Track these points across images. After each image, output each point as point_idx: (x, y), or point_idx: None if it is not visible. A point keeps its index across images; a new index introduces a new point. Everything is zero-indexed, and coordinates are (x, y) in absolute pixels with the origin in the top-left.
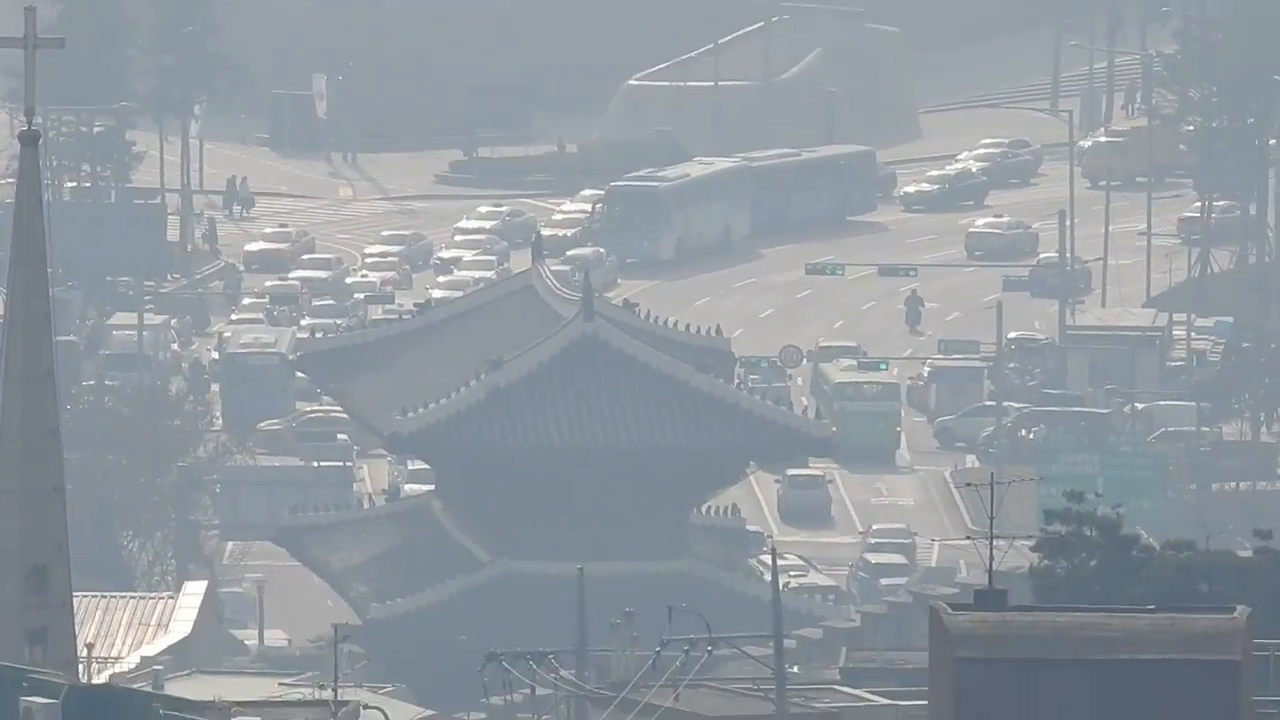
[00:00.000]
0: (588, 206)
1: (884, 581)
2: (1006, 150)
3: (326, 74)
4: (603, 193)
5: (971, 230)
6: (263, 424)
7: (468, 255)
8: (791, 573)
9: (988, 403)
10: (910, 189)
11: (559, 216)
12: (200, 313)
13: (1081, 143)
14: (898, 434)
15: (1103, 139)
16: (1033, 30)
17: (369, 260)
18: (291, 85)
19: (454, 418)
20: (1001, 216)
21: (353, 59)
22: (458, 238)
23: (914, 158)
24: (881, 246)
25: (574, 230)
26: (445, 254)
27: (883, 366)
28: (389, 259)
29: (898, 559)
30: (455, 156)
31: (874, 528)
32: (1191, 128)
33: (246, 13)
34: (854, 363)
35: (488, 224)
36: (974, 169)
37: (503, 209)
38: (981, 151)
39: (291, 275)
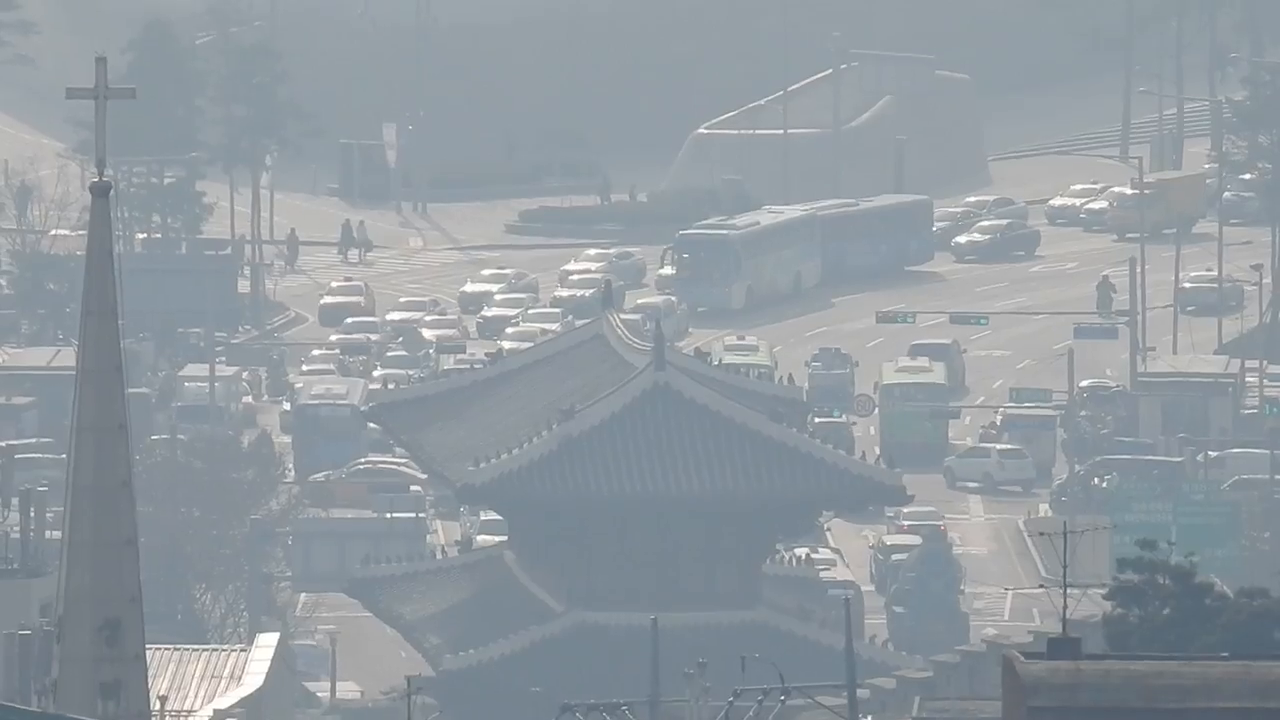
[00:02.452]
0: (600, 260)
1: (895, 557)
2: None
3: (396, 123)
4: (672, 241)
5: (1184, 286)
6: (334, 475)
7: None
8: (820, 565)
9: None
10: (962, 239)
11: (571, 268)
12: (274, 364)
13: (1097, 199)
14: (945, 435)
15: (1129, 191)
16: (1102, 76)
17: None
18: (361, 134)
19: (526, 468)
20: (1067, 265)
21: (423, 108)
22: (567, 278)
23: (982, 203)
24: (949, 294)
25: (588, 290)
26: (561, 292)
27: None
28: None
29: (914, 540)
30: (525, 205)
31: (904, 511)
32: (1250, 175)
33: (316, 62)
34: (905, 362)
35: (594, 266)
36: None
37: (611, 251)
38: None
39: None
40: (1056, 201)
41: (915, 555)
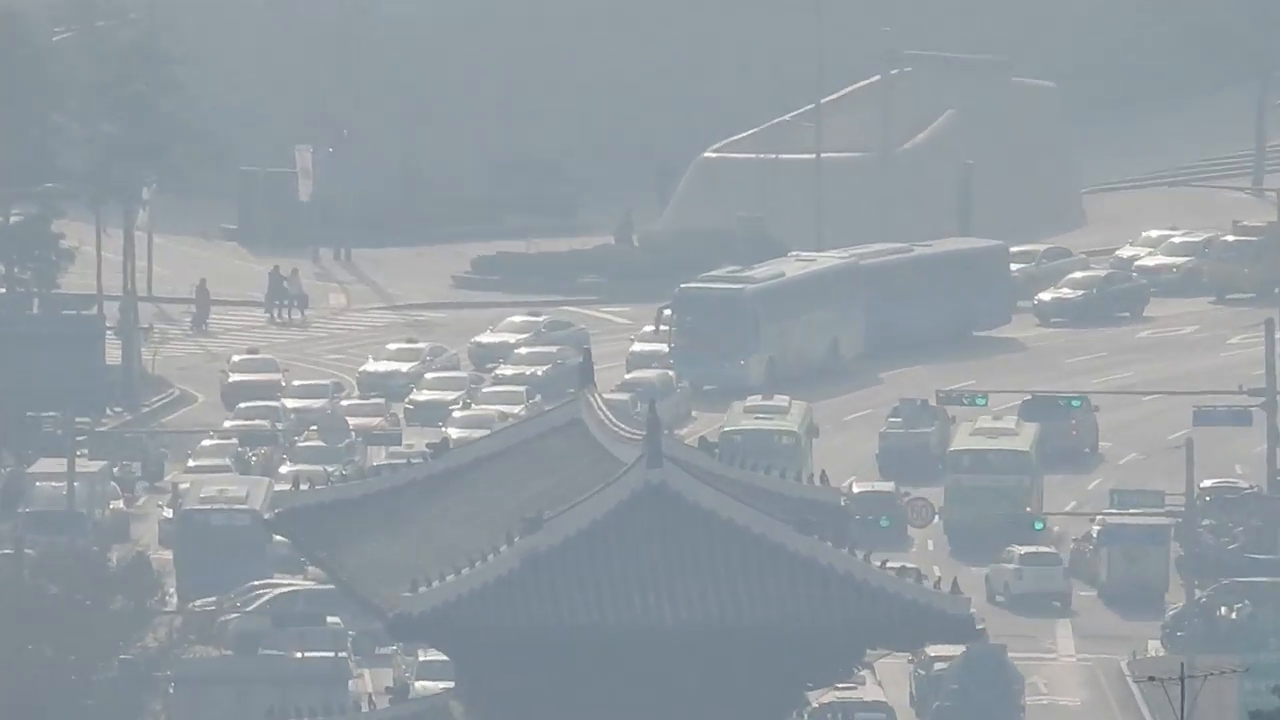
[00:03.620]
0: (523, 329)
1: (938, 667)
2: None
3: (313, 145)
4: (671, 298)
5: None
6: (229, 603)
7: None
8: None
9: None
10: (1047, 295)
11: (487, 338)
12: (152, 458)
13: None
14: (1028, 513)
15: (1229, 238)
16: (1228, 89)
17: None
18: (268, 160)
19: (479, 594)
20: (1184, 330)
21: (347, 126)
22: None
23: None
24: (1030, 368)
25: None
26: (505, 370)
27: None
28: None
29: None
30: (480, 251)
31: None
32: None
33: (209, 67)
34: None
35: (513, 338)
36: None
37: (540, 318)
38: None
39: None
40: (1125, 252)
41: (958, 663)
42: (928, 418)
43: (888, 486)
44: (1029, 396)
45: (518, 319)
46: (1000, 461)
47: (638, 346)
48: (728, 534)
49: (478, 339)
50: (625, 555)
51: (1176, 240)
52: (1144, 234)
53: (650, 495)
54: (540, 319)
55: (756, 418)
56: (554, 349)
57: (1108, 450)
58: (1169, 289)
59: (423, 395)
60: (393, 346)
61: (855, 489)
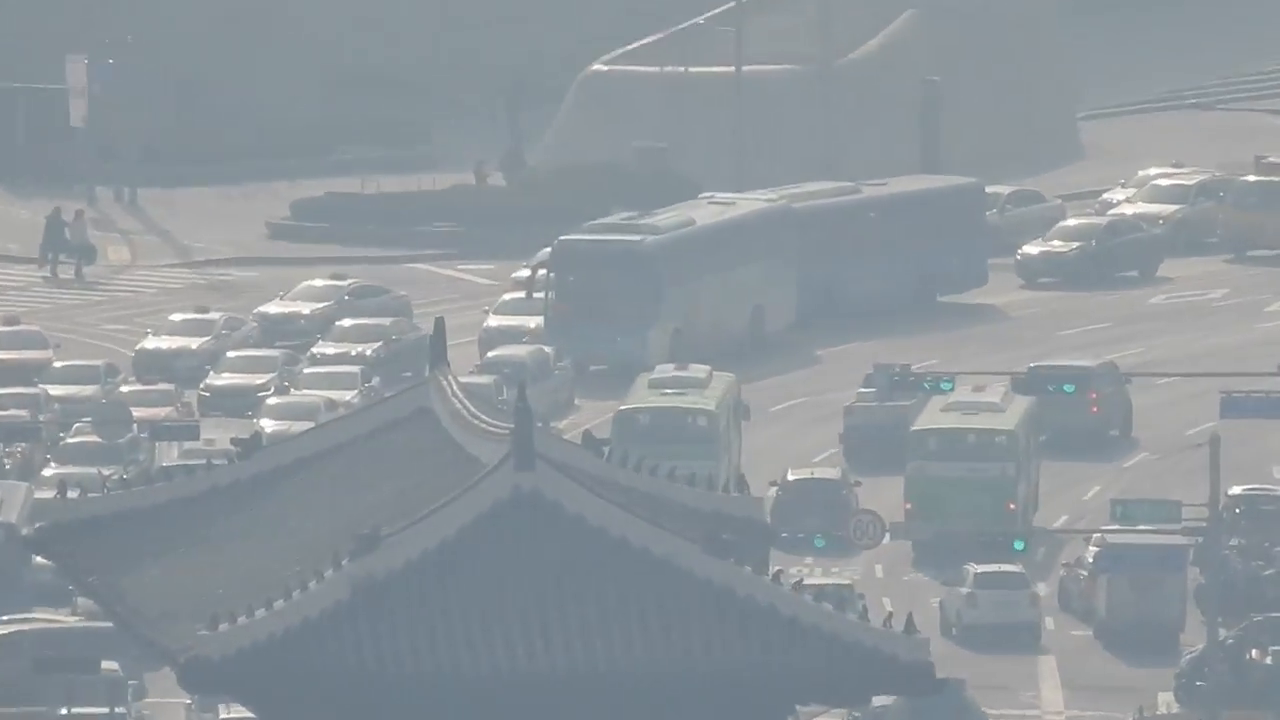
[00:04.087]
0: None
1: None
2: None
3: (88, 56)
4: (546, 252)
5: None
6: None
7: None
8: None
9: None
10: (1033, 249)
11: (275, 308)
12: None
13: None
14: (1014, 519)
15: (1250, 179)
16: None
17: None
18: (31, 74)
19: (298, 632)
20: (1210, 294)
21: (133, 32)
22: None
23: (1073, 192)
24: (1013, 342)
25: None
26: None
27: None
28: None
29: None
30: (302, 192)
31: None
32: None
33: None
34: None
35: (308, 307)
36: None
37: (344, 282)
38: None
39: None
40: (1118, 195)
41: (903, 702)
42: (909, 391)
43: (831, 473)
44: (1008, 377)
45: (318, 283)
46: (977, 446)
47: (495, 320)
48: (619, 556)
49: (263, 309)
50: (486, 583)
51: (1163, 183)
52: (1140, 172)
53: (519, 506)
54: (345, 283)
55: (665, 394)
56: (387, 321)
57: (1111, 448)
58: (1061, 268)
59: (223, 379)
60: (178, 318)
61: (791, 476)
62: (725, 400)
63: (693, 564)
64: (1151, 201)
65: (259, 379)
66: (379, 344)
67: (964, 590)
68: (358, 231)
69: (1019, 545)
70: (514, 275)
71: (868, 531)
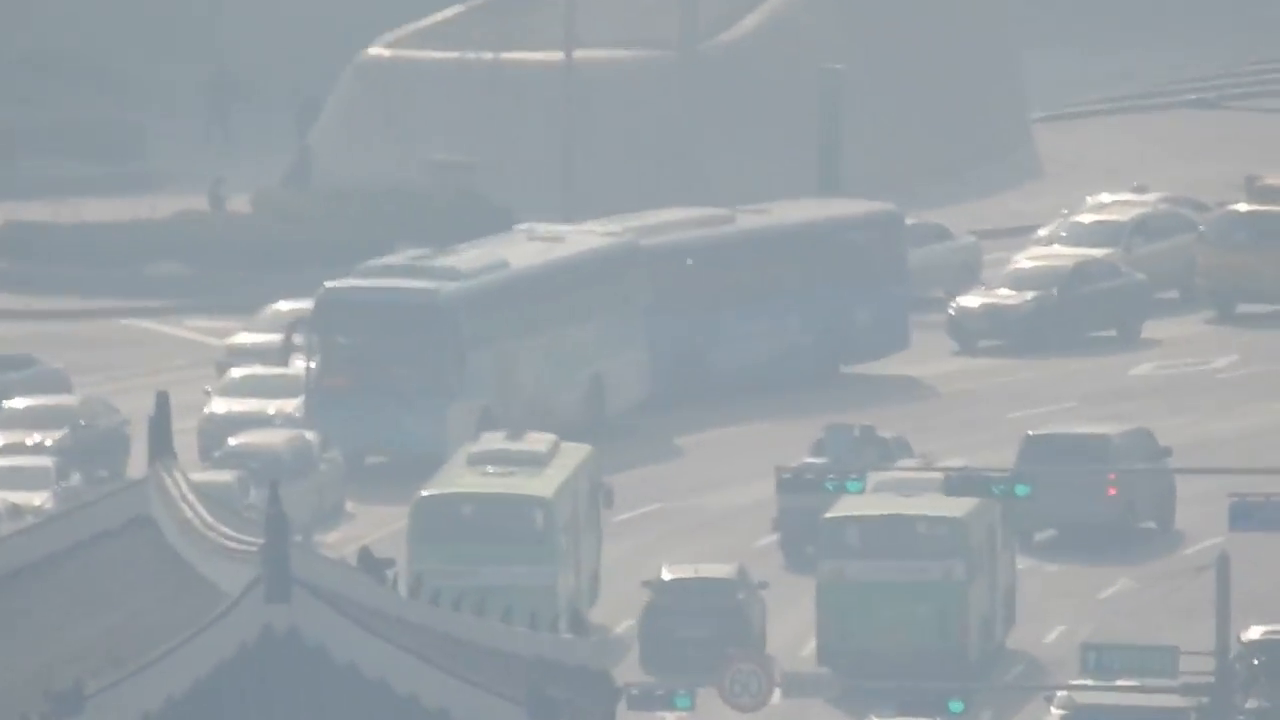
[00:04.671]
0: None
1: None
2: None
3: None
4: (307, 305)
5: None
6: None
7: None
8: None
9: None
10: (970, 301)
11: None
12: None
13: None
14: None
15: (1239, 208)
16: None
17: None
18: None
19: None
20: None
21: None
22: None
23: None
24: (947, 429)
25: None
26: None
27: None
28: None
29: None
30: None
31: None
32: None
33: None
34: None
35: None
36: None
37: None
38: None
39: None
40: (1045, 231)
41: None
42: (872, 453)
43: (723, 570)
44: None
45: None
46: (916, 540)
47: (221, 404)
48: None
49: None
50: None
51: (1086, 220)
52: (1090, 199)
53: (270, 651)
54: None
55: (487, 473)
56: (73, 401)
57: (1085, 575)
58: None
59: None
60: None
61: (667, 574)
62: (571, 484)
63: None
64: (1071, 244)
65: None
66: (64, 431)
67: None
68: (48, 274)
69: (956, 707)
70: (246, 340)
71: (748, 687)
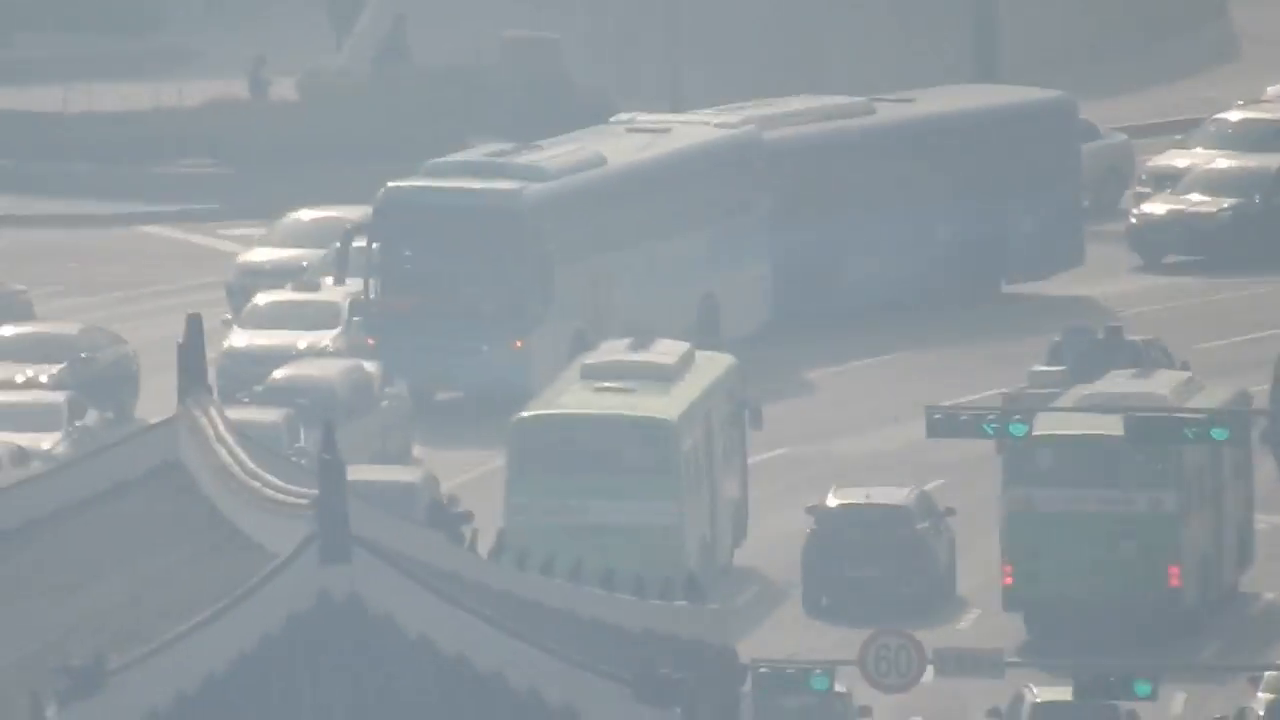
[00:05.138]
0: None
1: None
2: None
3: None
4: (368, 211)
5: None
6: None
7: None
8: None
9: None
10: (1156, 208)
11: None
12: None
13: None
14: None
15: None
16: None
17: None
18: None
19: None
20: None
21: None
22: None
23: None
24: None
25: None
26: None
27: None
28: None
29: None
30: None
31: None
32: None
33: None
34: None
35: None
36: None
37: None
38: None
39: None
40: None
41: None
42: (1121, 360)
43: (898, 496)
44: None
45: None
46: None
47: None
48: (491, 703)
49: None
50: None
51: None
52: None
53: (327, 621)
54: None
55: (602, 389)
56: (72, 330)
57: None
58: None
59: None
60: None
61: (832, 500)
62: (704, 403)
63: (615, 718)
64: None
65: None
66: (61, 366)
67: None
68: (53, 174)
69: (1142, 690)
70: (261, 257)
71: (895, 664)
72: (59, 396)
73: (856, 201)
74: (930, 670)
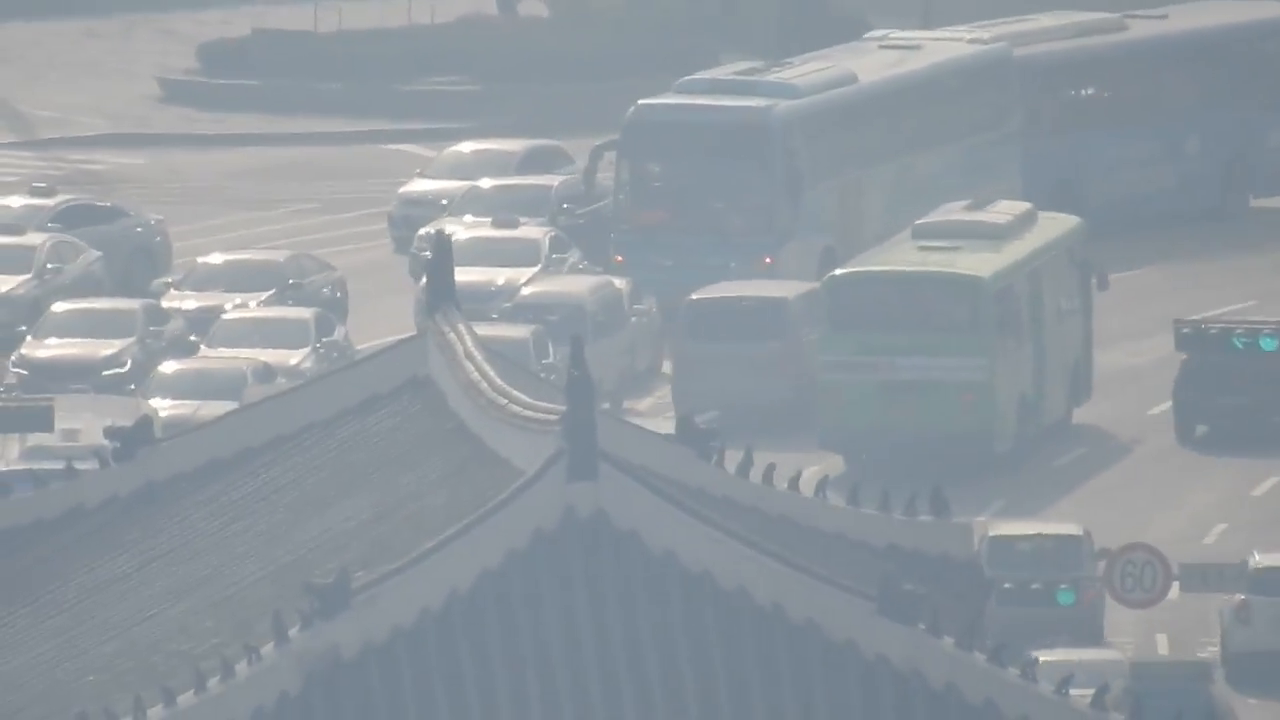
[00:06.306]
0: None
1: None
2: None
3: None
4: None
5: None
6: None
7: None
8: None
9: None
10: None
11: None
12: None
13: None
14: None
15: None
16: None
17: None
18: None
19: None
20: None
21: None
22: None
23: None
24: None
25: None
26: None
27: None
28: None
29: None
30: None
31: None
32: None
33: None
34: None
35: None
36: None
37: (51, 200)
38: None
39: None
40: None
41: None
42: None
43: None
44: None
45: (15, 203)
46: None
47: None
48: (734, 618)
49: None
50: (522, 662)
51: None
52: None
53: (573, 537)
54: (53, 201)
55: (930, 248)
56: (279, 257)
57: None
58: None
59: (48, 347)
60: None
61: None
62: (1029, 263)
63: (857, 633)
64: None
65: (106, 347)
66: (269, 293)
67: (1239, 596)
68: (305, 91)
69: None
70: (424, 187)
71: (1140, 580)
72: (307, 313)
73: (1107, 117)
74: (1175, 586)
